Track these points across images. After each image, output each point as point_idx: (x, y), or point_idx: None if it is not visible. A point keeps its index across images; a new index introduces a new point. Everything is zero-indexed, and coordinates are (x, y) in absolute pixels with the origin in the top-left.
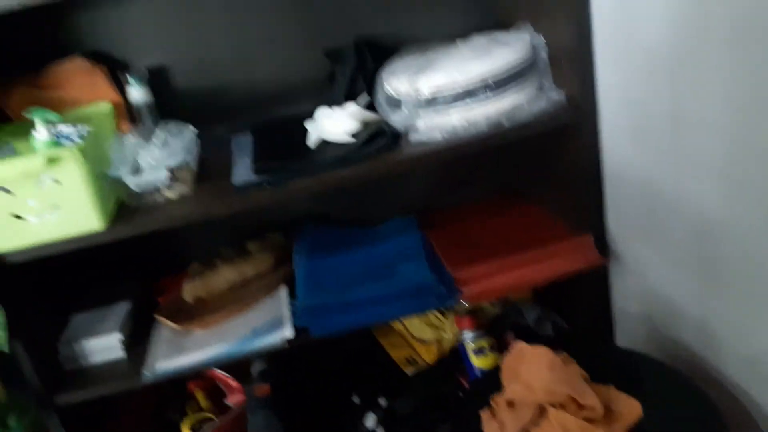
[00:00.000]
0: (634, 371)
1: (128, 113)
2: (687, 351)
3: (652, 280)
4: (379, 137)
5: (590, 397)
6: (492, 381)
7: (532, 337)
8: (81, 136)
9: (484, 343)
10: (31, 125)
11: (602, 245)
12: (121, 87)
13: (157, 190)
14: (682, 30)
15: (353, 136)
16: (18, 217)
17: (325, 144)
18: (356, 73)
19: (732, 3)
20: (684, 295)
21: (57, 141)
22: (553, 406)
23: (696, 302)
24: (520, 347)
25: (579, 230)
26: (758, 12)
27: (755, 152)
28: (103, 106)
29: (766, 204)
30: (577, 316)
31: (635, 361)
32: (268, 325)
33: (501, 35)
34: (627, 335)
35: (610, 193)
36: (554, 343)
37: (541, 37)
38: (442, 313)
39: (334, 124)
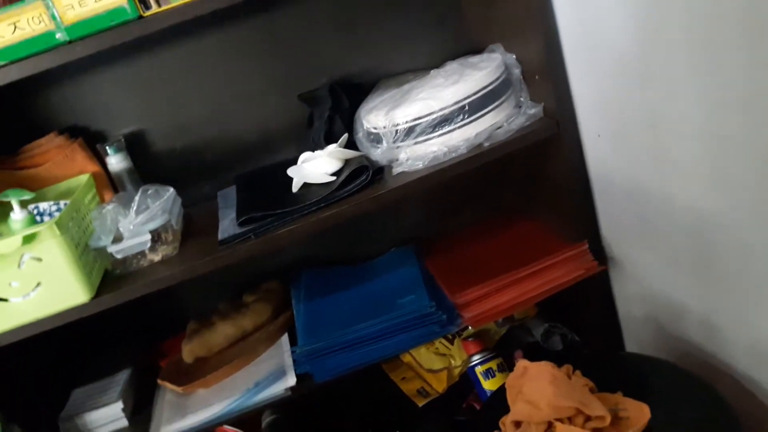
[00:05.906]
0: (643, 375)
1: (110, 182)
2: (694, 347)
3: (651, 282)
4: (361, 173)
5: (596, 407)
6: (499, 403)
7: (541, 352)
8: (59, 210)
9: (492, 364)
10: (9, 208)
11: (599, 252)
12: (100, 157)
13: (142, 254)
14: (644, 29)
15: (334, 175)
16: (2, 299)
17: (307, 187)
18: (333, 114)
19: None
20: (684, 292)
21: (35, 219)
22: (560, 420)
23: (696, 298)
24: (522, 365)
25: (574, 241)
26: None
27: (732, 144)
28: (81, 179)
29: (751, 192)
30: (584, 327)
31: (642, 365)
32: (270, 375)
33: (473, 58)
34: (635, 339)
35: (600, 200)
36: (564, 357)
37: (513, 55)
38: (450, 341)
39: (315, 166)
